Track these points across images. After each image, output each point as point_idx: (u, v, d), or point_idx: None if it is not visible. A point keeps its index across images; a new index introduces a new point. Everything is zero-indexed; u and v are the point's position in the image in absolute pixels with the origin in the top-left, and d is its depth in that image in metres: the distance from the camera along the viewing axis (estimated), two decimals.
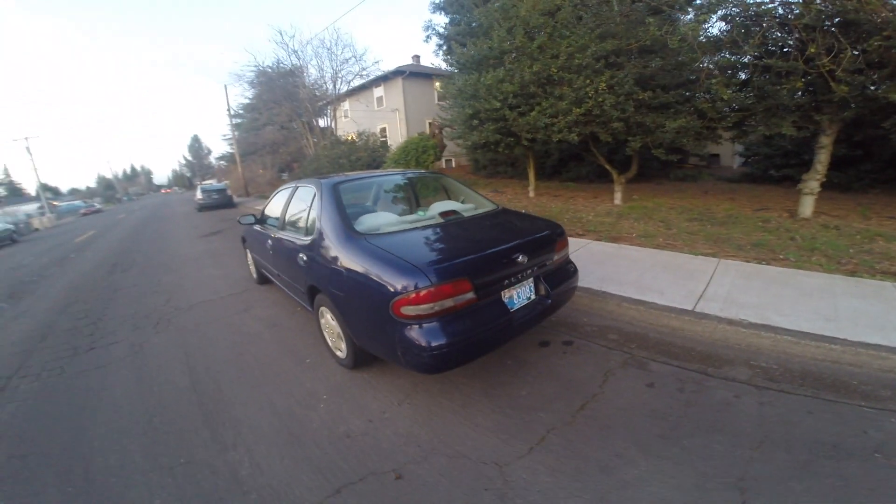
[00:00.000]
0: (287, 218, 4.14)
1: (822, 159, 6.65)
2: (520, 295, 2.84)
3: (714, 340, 3.32)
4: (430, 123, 21.84)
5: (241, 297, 5.53)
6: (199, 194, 21.55)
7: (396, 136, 22.10)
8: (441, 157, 15.28)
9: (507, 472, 2.12)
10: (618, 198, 9.04)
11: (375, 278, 2.56)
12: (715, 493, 1.87)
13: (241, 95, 29.40)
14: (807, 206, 6.87)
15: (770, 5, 5.96)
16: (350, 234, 2.98)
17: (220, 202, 20.60)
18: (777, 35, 6.20)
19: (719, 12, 6.45)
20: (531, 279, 2.94)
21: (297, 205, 4.01)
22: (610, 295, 4.10)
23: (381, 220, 3.27)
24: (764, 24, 5.94)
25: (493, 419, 2.55)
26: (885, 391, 2.55)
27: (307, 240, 3.45)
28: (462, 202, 3.91)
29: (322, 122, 23.87)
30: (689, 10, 7.57)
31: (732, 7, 6.29)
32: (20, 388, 3.62)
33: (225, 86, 27.63)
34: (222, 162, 50.78)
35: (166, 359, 3.90)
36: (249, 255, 6.03)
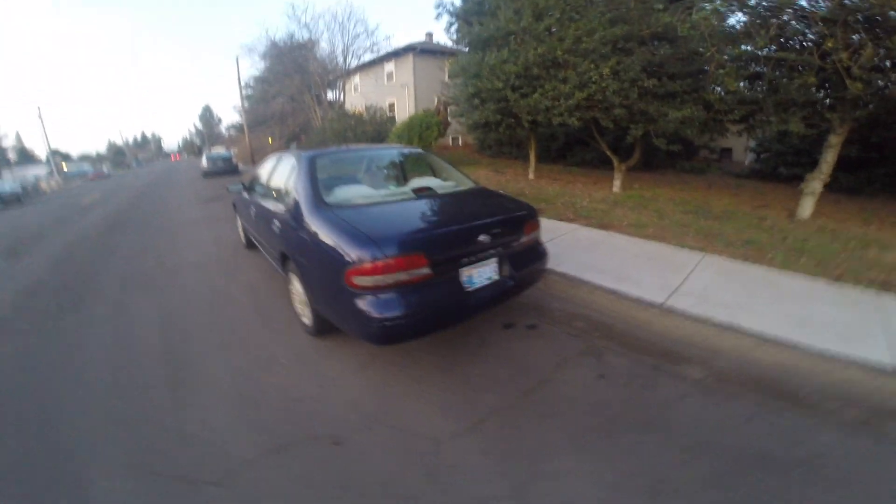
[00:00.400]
0: (269, 186, 4.18)
1: (829, 159, 6.47)
2: (481, 274, 2.82)
3: (678, 337, 3.24)
4: (436, 99, 21.66)
5: (227, 262, 5.63)
6: (204, 161, 21.69)
7: (405, 112, 21.90)
8: (445, 134, 15.11)
9: (441, 448, 2.15)
10: (617, 185, 8.93)
11: (333, 247, 2.59)
12: (628, 495, 1.87)
13: (253, 67, 29.27)
14: (807, 206, 6.72)
15: None
16: (318, 204, 3.00)
17: (225, 169, 20.73)
18: (794, 27, 5.97)
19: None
20: (494, 259, 2.91)
21: (278, 174, 4.04)
22: (585, 282, 4.04)
23: (353, 192, 3.28)
24: (783, 17, 5.72)
25: (442, 396, 2.57)
26: (831, 403, 2.49)
27: (281, 207, 3.50)
28: (444, 180, 3.89)
29: (331, 96, 23.70)
30: None
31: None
32: (4, 344, 3.71)
33: (237, 58, 27.56)
34: (232, 131, 50.79)
35: (145, 319, 3.99)
36: (239, 221, 6.12)
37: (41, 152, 56.02)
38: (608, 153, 8.90)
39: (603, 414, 2.41)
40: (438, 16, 16.43)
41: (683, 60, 7.16)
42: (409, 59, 22.22)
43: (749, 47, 6.19)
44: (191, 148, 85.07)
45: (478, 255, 2.78)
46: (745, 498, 1.86)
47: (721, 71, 6.31)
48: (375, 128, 15.84)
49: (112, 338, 3.65)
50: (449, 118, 13.81)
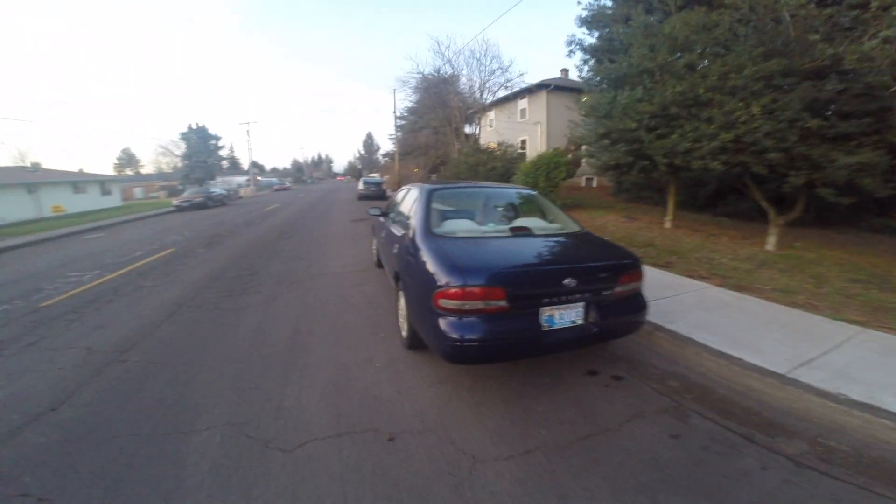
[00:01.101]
0: (397, 214, 4.81)
1: None
2: (563, 316, 2.87)
3: (791, 410, 2.83)
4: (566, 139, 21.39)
5: (359, 275, 6.50)
6: (360, 185, 24.98)
7: (536, 149, 22.11)
8: (574, 174, 14.86)
9: (476, 467, 2.26)
10: (771, 242, 7.72)
11: (430, 270, 2.95)
12: None
13: (406, 99, 32.87)
14: None
15: None
16: (427, 233, 3.44)
17: (376, 193, 23.52)
18: None
19: None
20: (581, 304, 2.93)
21: (405, 204, 4.64)
22: (694, 342, 3.67)
23: (459, 225, 3.65)
24: None
25: (498, 422, 2.68)
26: None
27: (402, 233, 4.04)
28: (549, 222, 4.04)
29: (468, 129, 25.26)
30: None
31: None
32: (185, 314, 4.98)
33: (394, 90, 31.15)
34: (387, 158, 57.14)
35: (286, 311, 4.92)
36: (374, 242, 6.97)
37: (244, 163, 70.41)
38: (763, 203, 7.80)
39: (660, 471, 2.24)
40: (571, 53, 16.28)
41: (859, 97, 6.05)
42: (542, 96, 22.41)
43: None
44: (353, 171, 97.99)
45: (561, 297, 2.85)
46: None
47: None
48: (505, 164, 16.35)
49: (257, 322, 4.58)
50: (581, 158, 13.60)
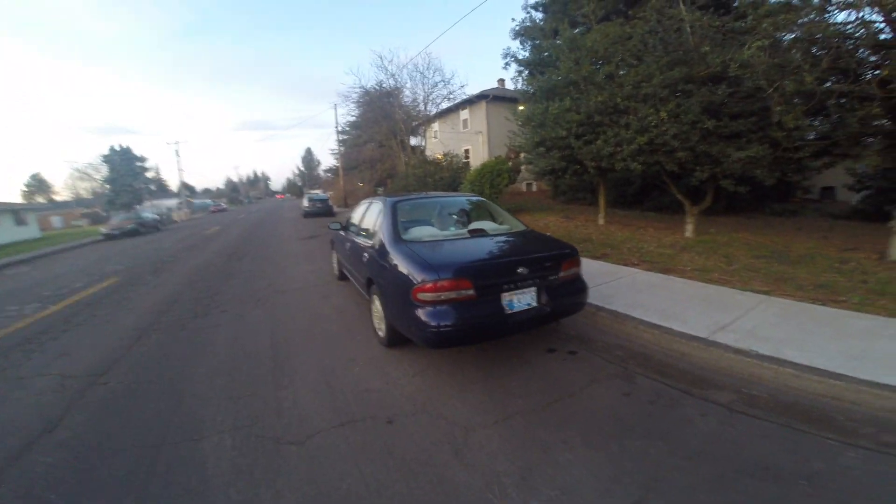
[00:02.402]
0: (361, 226, 5.13)
1: None
2: (520, 300, 3.40)
3: (717, 368, 3.43)
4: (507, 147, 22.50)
5: (323, 288, 6.69)
6: (305, 202, 24.56)
7: (479, 158, 23.01)
8: (515, 180, 15.77)
9: (469, 434, 2.68)
10: (689, 230, 8.82)
11: (405, 271, 3.38)
12: (623, 488, 2.17)
13: (348, 114, 32.86)
14: None
15: (838, 27, 5.67)
16: (397, 240, 3.86)
17: (322, 210, 23.24)
18: (845, 57, 5.80)
19: (785, 35, 6.19)
20: (532, 289, 3.47)
21: (369, 216, 4.98)
22: (632, 318, 4.32)
23: (423, 231, 4.12)
24: (833, 47, 5.61)
25: (479, 397, 3.12)
26: (868, 428, 2.56)
27: (371, 242, 4.39)
28: (499, 223, 4.59)
29: (414, 141, 25.77)
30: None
31: (796, 31, 6.00)
32: (152, 337, 4.95)
33: (335, 105, 31.09)
34: (329, 174, 56.27)
35: (258, 326, 5.05)
36: (334, 256, 7.18)
37: (173, 184, 66.17)
38: (679, 197, 8.90)
39: (618, 423, 2.74)
40: (507, 65, 17.44)
41: (745, 99, 7.15)
42: (482, 107, 23.43)
43: (797, 81, 6.04)
44: (293, 188, 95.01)
45: (517, 284, 3.37)
46: (740, 500, 2.06)
47: (778, 108, 6.22)
48: (451, 174, 16.98)
49: (233, 338, 4.70)
50: (520, 165, 14.52)
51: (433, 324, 3.06)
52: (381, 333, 4.07)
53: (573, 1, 13.69)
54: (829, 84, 5.88)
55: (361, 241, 4.82)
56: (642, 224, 10.96)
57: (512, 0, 18.51)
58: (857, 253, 6.78)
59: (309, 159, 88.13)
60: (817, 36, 5.69)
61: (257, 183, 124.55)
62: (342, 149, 34.06)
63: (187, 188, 53.61)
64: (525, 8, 17.29)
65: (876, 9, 5.35)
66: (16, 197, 68.17)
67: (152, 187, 47.74)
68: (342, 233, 6.02)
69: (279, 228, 18.58)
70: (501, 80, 26.49)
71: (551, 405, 2.98)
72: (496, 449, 2.53)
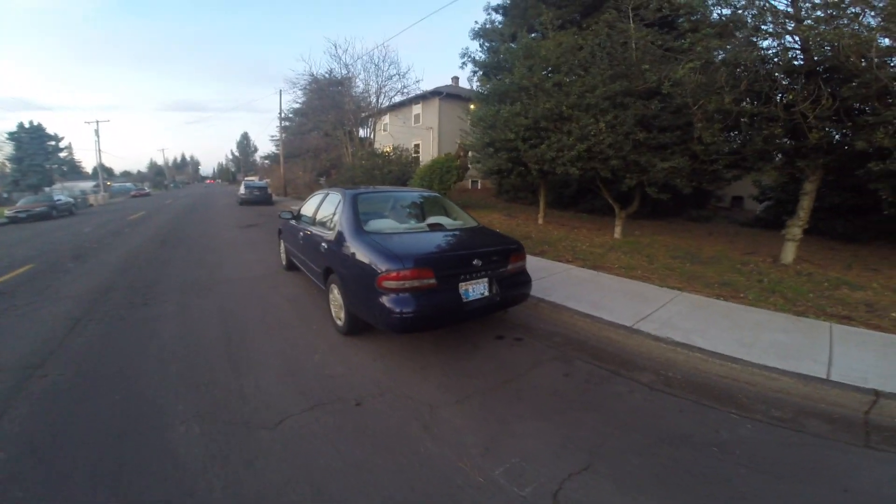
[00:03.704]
0: (317, 217, 5.17)
1: (805, 206, 7.02)
2: (475, 290, 3.74)
3: (640, 352, 3.99)
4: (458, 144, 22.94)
5: (271, 278, 6.59)
6: (242, 189, 23.38)
7: (429, 153, 23.24)
8: (464, 177, 16.21)
9: (435, 412, 2.95)
10: (617, 232, 9.68)
11: (369, 261, 3.57)
12: (571, 453, 2.55)
13: (294, 101, 31.63)
14: (789, 252, 7.22)
15: (761, 52, 6.41)
16: (359, 231, 4.01)
17: (260, 198, 22.29)
18: (763, 82, 6.52)
19: (716, 56, 6.89)
20: (485, 280, 3.83)
21: (326, 207, 5.04)
22: (568, 309, 4.86)
23: (384, 224, 4.32)
24: (753, 70, 6.36)
25: (439, 379, 3.41)
26: (761, 405, 3.13)
27: (330, 233, 4.47)
28: (454, 219, 4.88)
29: (362, 133, 25.40)
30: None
31: (724, 54, 6.74)
32: (88, 327, 4.64)
33: (280, 91, 29.88)
34: (266, 161, 53.65)
35: (206, 315, 4.92)
36: (282, 245, 7.09)
37: (87, 166, 59.58)
38: (610, 201, 9.72)
39: (561, 399, 3.18)
40: (463, 64, 18.03)
41: (673, 114, 7.96)
42: (434, 103, 23.61)
43: (717, 100, 6.67)
44: (225, 174, 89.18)
45: (472, 275, 3.72)
46: (662, 462, 2.51)
47: (699, 124, 6.99)
48: (401, 168, 17.07)
49: (180, 327, 4.57)
50: (469, 163, 14.95)
51: (397, 310, 3.29)
52: (340, 322, 4.21)
53: (532, 7, 14.28)
54: (744, 104, 6.64)
55: (317, 231, 4.89)
56: (577, 224, 11.82)
57: (473, 1, 18.80)
58: (756, 256, 7.89)
59: (245, 145, 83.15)
60: (741, 60, 6.44)
61: (185, 167, 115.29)
62: (284, 136, 32.69)
63: (105, 170, 48.61)
64: (487, 9, 17.74)
65: (795, 37, 6.24)
66: None
67: (65, 168, 43.02)
68: (293, 222, 6.01)
69: (214, 215, 17.62)
70: (455, 79, 26.83)
71: (504, 385, 3.34)
72: (461, 424, 2.82)
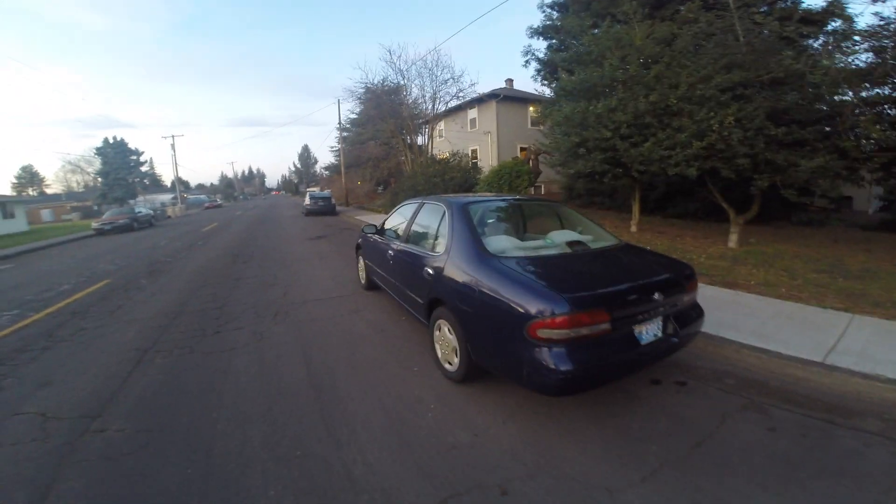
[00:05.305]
0: (412, 232, 4.38)
1: None
2: (648, 331, 2.78)
3: (844, 393, 3.13)
4: (523, 149, 21.89)
5: (350, 300, 5.91)
6: (307, 200, 23.68)
7: (487, 159, 22.43)
8: (535, 182, 15.17)
9: (617, 498, 2.09)
10: (733, 240, 8.27)
11: (510, 299, 2.64)
12: None
13: (350, 112, 31.98)
14: None
15: None
16: (482, 254, 3.10)
17: (325, 209, 22.45)
18: None
19: (866, 44, 5.80)
20: (660, 317, 2.86)
21: (423, 220, 4.25)
22: (727, 341, 3.85)
23: (507, 243, 3.35)
24: None
25: (601, 446, 2.52)
26: None
27: (435, 255, 3.61)
28: (580, 233, 3.87)
29: (419, 140, 25.03)
30: (821, 37, 6.85)
31: (884, 39, 5.61)
32: (155, 361, 4.08)
33: (338, 100, 30.27)
34: (326, 171, 55.23)
35: (285, 349, 4.25)
36: (362, 262, 6.35)
37: (167, 179, 64.62)
38: (723, 205, 8.33)
39: (787, 463, 2.37)
40: (526, 63, 16.90)
41: (809, 106, 6.70)
42: (492, 106, 22.75)
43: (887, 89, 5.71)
44: (288, 185, 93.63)
45: (650, 313, 2.76)
46: None
47: (861, 116, 5.80)
48: (462, 174, 16.30)
49: (257, 366, 3.89)
50: (540, 167, 13.91)
51: (561, 368, 2.36)
52: (451, 367, 3.33)
53: (597, 0, 13.16)
54: None
55: (414, 250, 4.08)
56: (677, 232, 10.41)
57: (518, 2, 18.04)
58: None
59: (306, 156, 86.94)
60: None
61: (252, 179, 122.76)
62: (343, 146, 33.18)
63: (182, 183, 52.30)
64: (541, 7, 16.73)
65: None
66: (5, 189, 66.46)
67: (146, 182, 46.56)
68: (377, 238, 5.30)
69: (282, 227, 17.72)
70: (510, 81, 25.91)
71: (696, 450, 2.49)
72: None
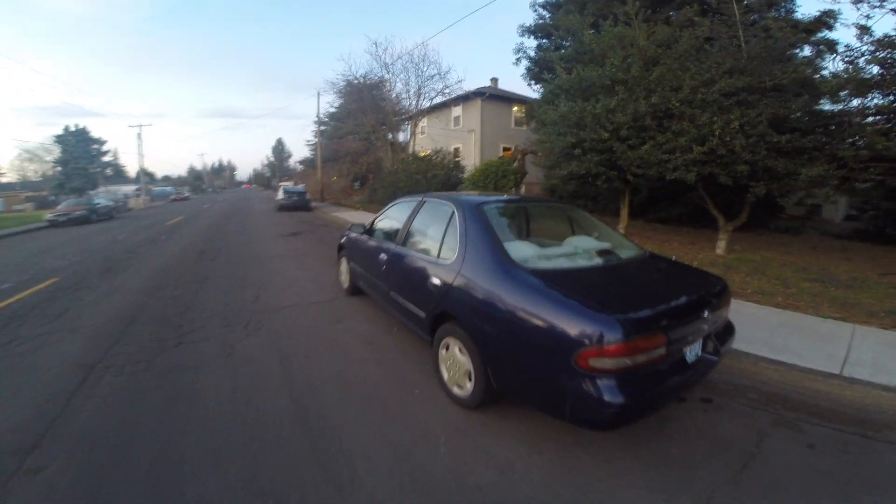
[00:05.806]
0: (410, 235, 3.89)
1: None
2: (692, 350, 2.48)
3: (865, 406, 3.06)
4: (506, 148, 21.68)
5: (332, 307, 5.36)
6: (280, 194, 22.75)
7: (469, 157, 22.11)
8: (521, 183, 14.94)
9: None
10: (721, 247, 8.21)
11: (551, 322, 2.23)
12: None
13: (330, 105, 30.97)
14: None
15: None
16: (508, 266, 2.67)
17: (299, 204, 21.58)
18: None
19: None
20: (702, 335, 2.57)
21: (425, 222, 3.78)
22: (743, 353, 3.68)
23: (527, 251, 2.92)
24: None
25: (644, 477, 2.26)
26: None
27: (443, 263, 3.14)
28: (597, 238, 3.50)
29: (401, 137, 24.47)
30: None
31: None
32: (104, 380, 3.43)
33: (318, 92, 29.30)
34: (300, 166, 53.69)
35: (262, 367, 3.66)
36: (344, 264, 5.79)
37: (132, 170, 61.43)
38: (713, 212, 8.27)
39: (836, 481, 2.31)
40: (518, 61, 16.76)
41: (812, 114, 6.71)
42: (476, 104, 22.45)
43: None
44: (260, 179, 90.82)
45: (697, 332, 2.47)
46: None
47: (866, 126, 5.78)
48: (446, 172, 15.88)
49: (230, 387, 3.30)
50: (526, 167, 13.67)
51: (615, 402, 1.99)
52: (461, 391, 2.90)
53: (592, 1, 13.02)
54: None
55: (415, 255, 3.61)
56: (662, 237, 10.35)
57: (508, 1, 17.99)
58: None
59: (280, 150, 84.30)
60: None
61: (222, 172, 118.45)
62: (321, 140, 32.14)
63: (147, 174, 49.70)
64: (533, 6, 16.63)
65: None
66: None
67: (109, 172, 44.02)
68: (365, 238, 4.81)
69: (252, 222, 16.80)
70: (495, 80, 25.73)
71: (743, 472, 2.33)
72: None
